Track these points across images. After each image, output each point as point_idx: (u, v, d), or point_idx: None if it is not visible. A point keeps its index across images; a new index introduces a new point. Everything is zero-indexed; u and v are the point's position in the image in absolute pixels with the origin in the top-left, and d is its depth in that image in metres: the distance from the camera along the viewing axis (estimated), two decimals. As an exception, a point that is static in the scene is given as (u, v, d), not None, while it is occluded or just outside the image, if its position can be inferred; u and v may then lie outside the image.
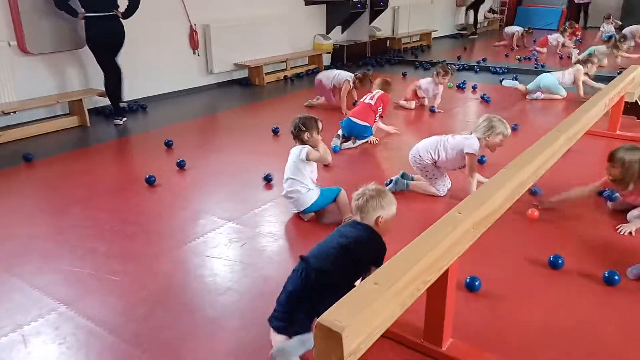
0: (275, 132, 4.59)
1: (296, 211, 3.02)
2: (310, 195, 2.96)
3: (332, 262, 1.89)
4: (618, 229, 2.87)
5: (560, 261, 2.48)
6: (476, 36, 11.74)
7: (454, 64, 8.05)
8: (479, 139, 3.17)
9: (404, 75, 7.34)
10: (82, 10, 4.69)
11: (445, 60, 8.33)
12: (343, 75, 5.43)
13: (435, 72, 5.54)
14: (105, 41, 4.87)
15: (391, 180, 3.42)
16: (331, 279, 1.84)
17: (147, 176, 3.55)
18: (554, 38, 9.64)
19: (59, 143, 4.51)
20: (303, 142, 3.02)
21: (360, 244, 1.94)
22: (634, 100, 4.52)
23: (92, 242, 2.77)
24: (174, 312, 2.18)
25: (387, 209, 2.03)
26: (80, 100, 4.96)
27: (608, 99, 3.60)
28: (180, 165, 3.82)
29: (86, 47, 5.00)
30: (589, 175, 3.23)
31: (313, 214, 3.04)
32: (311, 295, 1.84)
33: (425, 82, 5.61)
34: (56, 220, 3.05)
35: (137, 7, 4.90)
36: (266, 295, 2.30)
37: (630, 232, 2.83)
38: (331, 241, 1.98)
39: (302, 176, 2.97)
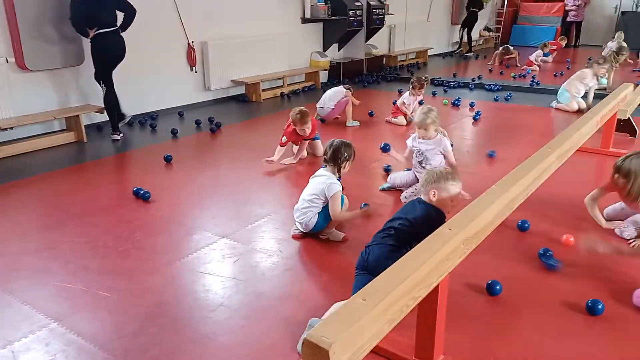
0: (167, 160, 4.36)
1: (301, 231, 3.00)
2: (314, 220, 2.92)
3: (390, 239, 2.25)
4: (631, 243, 2.85)
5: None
6: (471, 54, 11.87)
7: (450, 81, 8.16)
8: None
9: (400, 92, 7.39)
10: (88, 28, 4.75)
11: (440, 77, 8.43)
12: (341, 90, 5.68)
13: (411, 86, 5.70)
14: (112, 56, 4.93)
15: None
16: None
17: (142, 192, 3.55)
18: (535, 55, 9.83)
19: (56, 159, 4.52)
20: (338, 168, 2.95)
21: (416, 221, 2.27)
22: (626, 118, 4.57)
23: (84, 258, 2.77)
24: (164, 329, 2.17)
25: (444, 187, 2.32)
26: (77, 116, 4.99)
27: (600, 117, 3.64)
28: (138, 195, 3.58)
29: (84, 63, 5.05)
30: (581, 192, 3.24)
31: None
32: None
33: (406, 96, 5.78)
34: (49, 236, 3.05)
35: (133, 19, 4.95)
36: (258, 312, 2.30)
37: None
38: (393, 221, 2.33)
39: (318, 208, 2.91)
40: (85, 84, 5.30)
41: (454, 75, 8.88)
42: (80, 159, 4.58)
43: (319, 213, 2.91)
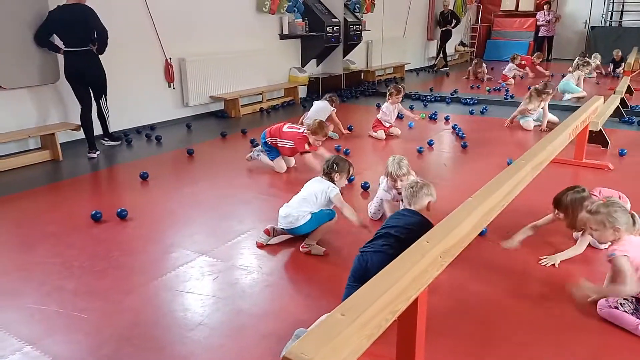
0: (144, 177, 4.30)
1: (283, 228, 3.07)
2: (305, 219, 3.00)
3: (390, 248, 2.20)
4: (540, 260, 2.86)
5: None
6: (447, 68, 12.07)
7: (427, 95, 8.28)
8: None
9: (378, 106, 7.45)
10: (64, 45, 4.75)
11: (417, 92, 8.54)
12: (327, 106, 5.79)
13: (388, 93, 5.85)
14: (81, 75, 4.90)
15: None
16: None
17: (119, 210, 3.50)
18: (508, 69, 10.05)
19: (30, 178, 4.43)
20: (330, 179, 3.12)
21: (415, 229, 2.23)
22: (598, 129, 4.69)
23: (59, 279, 2.71)
24: (141, 350, 2.13)
25: (434, 196, 2.45)
26: (53, 134, 4.91)
27: (572, 129, 3.72)
28: (97, 219, 3.47)
29: (61, 81, 5.00)
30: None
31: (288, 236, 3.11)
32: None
33: (385, 105, 5.90)
34: (23, 257, 2.98)
35: (106, 41, 4.92)
36: (238, 330, 2.27)
37: (553, 265, 2.81)
38: (389, 228, 2.31)
39: (311, 208, 3.03)
40: (62, 101, 5.23)
41: (431, 90, 9.01)
42: (55, 178, 4.50)
43: (312, 213, 3.00)
